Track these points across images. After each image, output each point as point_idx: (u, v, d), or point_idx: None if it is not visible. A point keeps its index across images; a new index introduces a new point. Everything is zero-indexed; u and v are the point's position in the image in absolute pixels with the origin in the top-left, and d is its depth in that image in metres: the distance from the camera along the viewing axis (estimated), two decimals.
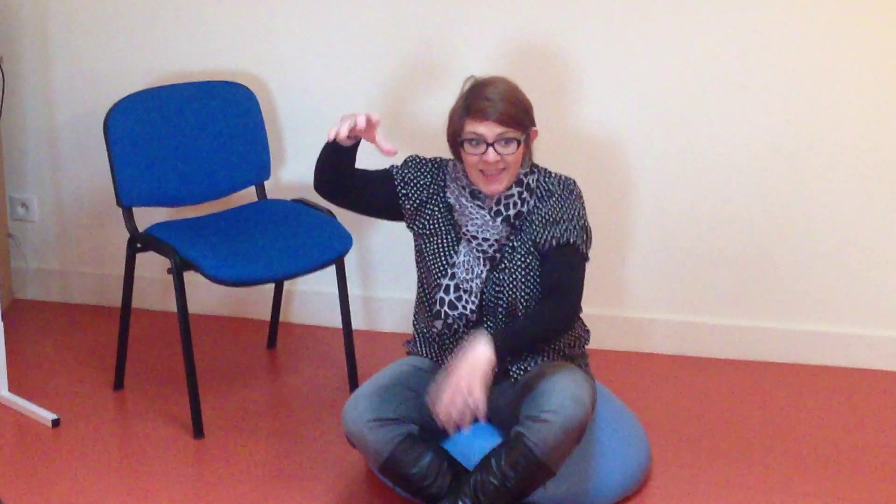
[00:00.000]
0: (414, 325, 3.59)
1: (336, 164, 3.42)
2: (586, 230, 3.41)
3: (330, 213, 4.11)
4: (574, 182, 3.45)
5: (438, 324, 3.42)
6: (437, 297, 3.41)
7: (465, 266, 3.39)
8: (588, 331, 3.59)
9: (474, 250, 3.38)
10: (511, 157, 3.30)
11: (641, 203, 4.34)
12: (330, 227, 4.05)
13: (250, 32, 4.46)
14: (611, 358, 4.34)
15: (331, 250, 3.96)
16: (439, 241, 3.44)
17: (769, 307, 4.37)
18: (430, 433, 3.37)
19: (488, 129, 3.26)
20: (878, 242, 4.23)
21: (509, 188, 3.36)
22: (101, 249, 4.81)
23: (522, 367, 3.42)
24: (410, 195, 3.46)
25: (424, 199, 3.46)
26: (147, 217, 4.11)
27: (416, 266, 3.53)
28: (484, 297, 3.40)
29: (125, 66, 4.56)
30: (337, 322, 4.17)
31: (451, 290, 3.39)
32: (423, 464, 3.28)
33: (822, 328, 4.35)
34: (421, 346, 3.55)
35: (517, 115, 3.29)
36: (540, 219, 3.38)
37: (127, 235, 4.02)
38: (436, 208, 3.45)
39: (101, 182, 4.40)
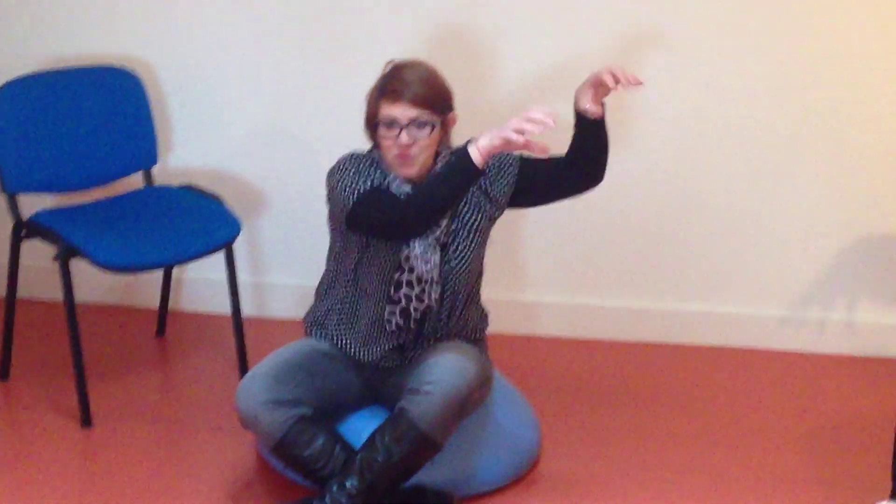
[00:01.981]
0: (324, 308, 3.53)
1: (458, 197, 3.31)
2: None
3: (218, 198, 4.09)
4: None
5: (400, 320, 3.40)
6: (401, 293, 3.39)
7: (423, 257, 3.38)
8: (487, 314, 3.64)
9: (428, 238, 3.37)
10: (424, 141, 3.30)
11: None
12: (218, 213, 4.03)
13: (137, 15, 4.40)
14: (501, 341, 4.36)
15: (219, 235, 3.94)
16: None
17: (657, 288, 4.43)
18: (325, 416, 3.37)
19: (402, 112, 3.25)
20: (766, 223, 4.30)
21: (426, 173, 3.36)
22: None
23: (418, 351, 3.45)
24: None
25: None
26: (32, 204, 4.05)
27: (343, 256, 3.46)
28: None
29: (8, 50, 4.48)
30: (227, 309, 4.14)
31: (414, 283, 3.39)
32: (315, 446, 3.27)
33: (710, 308, 4.42)
34: (338, 334, 3.51)
35: (432, 98, 3.28)
36: (477, 193, 3.43)
37: (11, 223, 3.96)
38: None
39: None
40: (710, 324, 4.42)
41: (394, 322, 3.42)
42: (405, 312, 3.41)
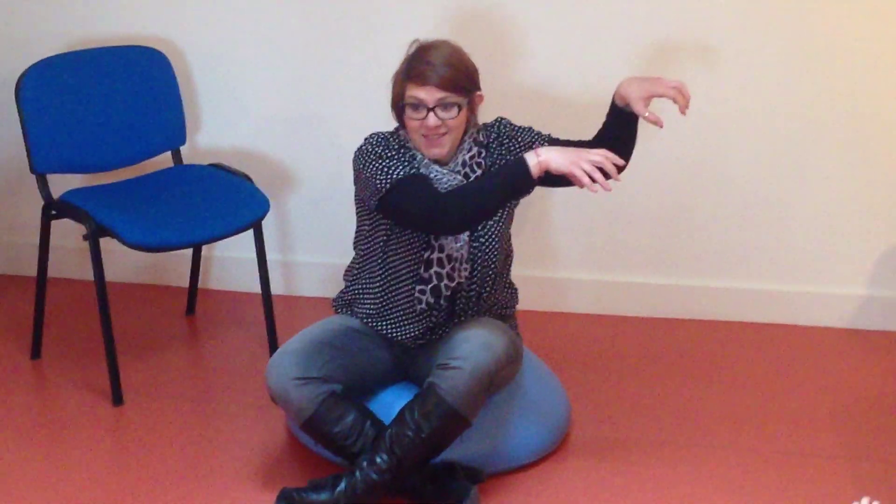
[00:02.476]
0: (354, 292, 3.54)
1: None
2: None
3: (247, 177, 4.10)
4: (501, 120, 3.52)
5: (430, 298, 3.40)
6: (431, 272, 3.39)
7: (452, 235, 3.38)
8: (516, 291, 3.65)
9: None
10: (452, 122, 3.30)
11: None
12: (246, 192, 4.04)
13: None
14: (531, 317, 4.37)
15: (248, 214, 3.95)
16: None
17: (683, 265, 4.42)
18: (354, 392, 3.38)
19: (429, 94, 3.25)
20: (789, 200, 4.29)
21: (455, 152, 3.37)
22: (15, 218, 4.76)
23: (448, 327, 3.45)
24: None
25: None
26: (62, 184, 4.07)
27: (372, 238, 3.46)
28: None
29: (38, 30, 4.50)
30: (256, 287, 4.16)
31: (445, 262, 3.39)
32: (345, 422, 3.28)
33: (736, 284, 4.41)
34: (370, 316, 3.51)
35: (459, 79, 3.28)
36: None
37: (41, 203, 3.98)
38: None
39: (14, 148, 4.35)
40: (735, 300, 4.41)
41: (424, 300, 3.42)
42: (436, 291, 3.41)
